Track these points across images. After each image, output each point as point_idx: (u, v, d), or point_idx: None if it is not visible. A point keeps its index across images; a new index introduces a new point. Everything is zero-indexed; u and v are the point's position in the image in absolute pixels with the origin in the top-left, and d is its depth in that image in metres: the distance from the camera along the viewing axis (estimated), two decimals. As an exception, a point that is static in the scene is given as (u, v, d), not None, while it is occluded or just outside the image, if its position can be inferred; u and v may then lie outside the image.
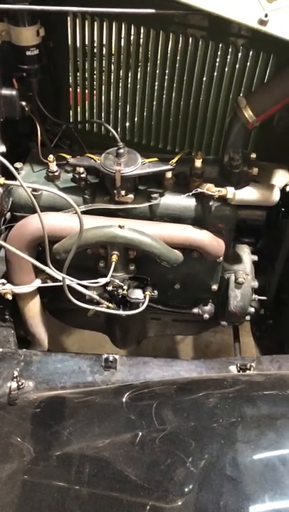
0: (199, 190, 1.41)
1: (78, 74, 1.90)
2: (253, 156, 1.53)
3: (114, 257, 1.43)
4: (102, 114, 1.97)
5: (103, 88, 1.90)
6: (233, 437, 0.93)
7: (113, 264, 1.42)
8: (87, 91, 1.94)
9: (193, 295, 1.75)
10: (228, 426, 0.96)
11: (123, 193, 1.43)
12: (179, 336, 2.66)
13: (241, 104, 1.41)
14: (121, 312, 1.50)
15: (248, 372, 1.46)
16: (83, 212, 1.44)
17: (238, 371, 1.52)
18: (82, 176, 1.48)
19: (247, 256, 1.71)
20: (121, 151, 1.41)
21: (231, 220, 1.53)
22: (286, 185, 1.58)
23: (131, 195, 1.46)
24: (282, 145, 1.71)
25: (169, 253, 1.45)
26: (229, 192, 1.43)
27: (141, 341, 2.01)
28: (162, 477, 0.93)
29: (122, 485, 0.97)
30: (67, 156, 1.46)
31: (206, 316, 1.76)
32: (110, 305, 1.54)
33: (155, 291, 1.56)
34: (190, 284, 1.68)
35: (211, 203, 1.47)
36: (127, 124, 1.95)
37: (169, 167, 1.44)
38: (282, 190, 1.57)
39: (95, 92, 1.93)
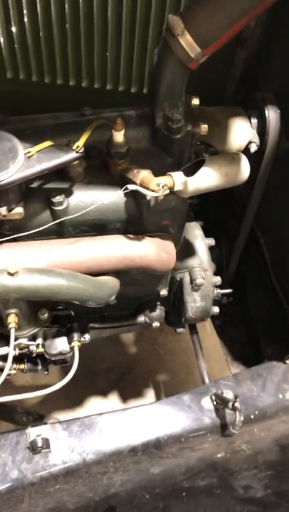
0: (130, 187, 0.86)
1: None
2: (196, 102, 0.99)
3: (13, 318, 0.88)
4: None
5: None
6: None
7: (12, 330, 0.87)
8: None
9: (136, 302, 1.28)
10: None
11: (3, 210, 0.85)
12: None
13: (176, 28, 0.83)
14: (43, 392, 0.97)
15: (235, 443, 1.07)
16: None
17: (215, 406, 1.16)
18: None
19: (201, 242, 1.23)
20: (-16, 143, 0.79)
21: (181, 212, 1.01)
22: (250, 142, 1.06)
23: (18, 209, 0.87)
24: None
25: (97, 292, 0.93)
26: (177, 182, 0.89)
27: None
28: None
29: None
30: None
31: (156, 324, 1.30)
32: (22, 366, 1.03)
33: (86, 336, 1.06)
34: (131, 293, 1.19)
35: (148, 197, 0.93)
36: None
37: (74, 155, 0.85)
38: (245, 151, 1.06)
39: None
